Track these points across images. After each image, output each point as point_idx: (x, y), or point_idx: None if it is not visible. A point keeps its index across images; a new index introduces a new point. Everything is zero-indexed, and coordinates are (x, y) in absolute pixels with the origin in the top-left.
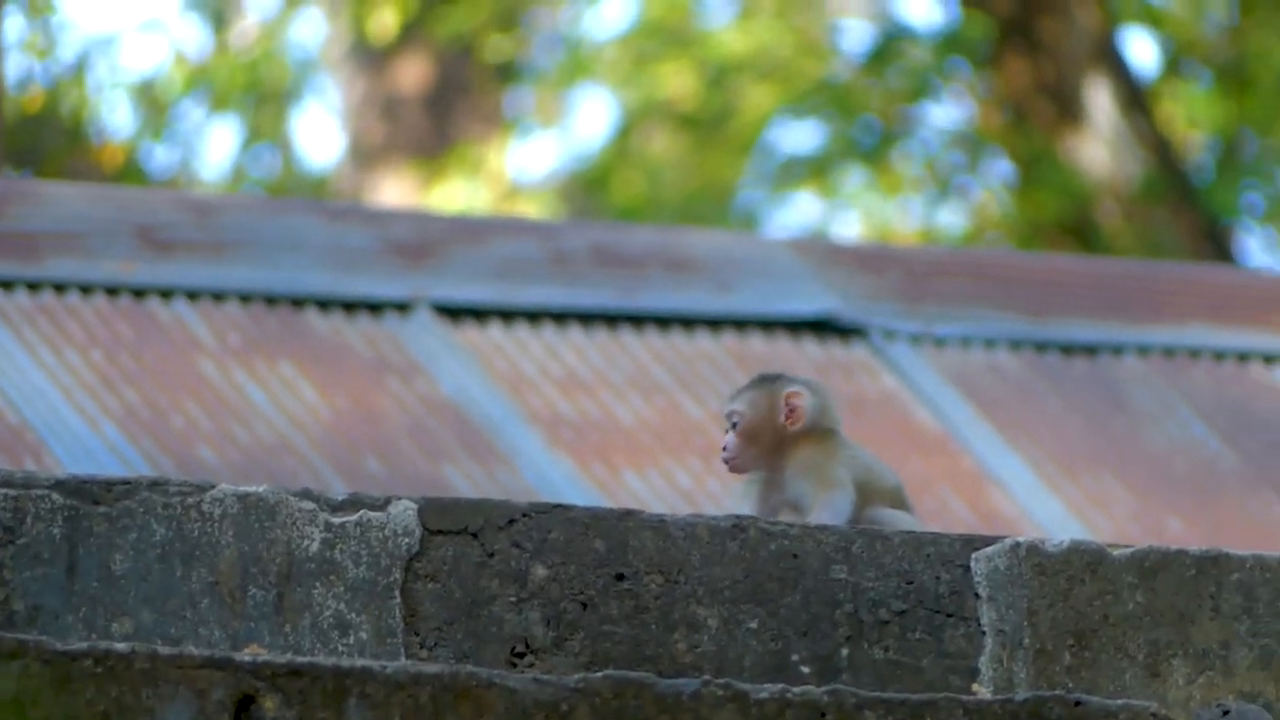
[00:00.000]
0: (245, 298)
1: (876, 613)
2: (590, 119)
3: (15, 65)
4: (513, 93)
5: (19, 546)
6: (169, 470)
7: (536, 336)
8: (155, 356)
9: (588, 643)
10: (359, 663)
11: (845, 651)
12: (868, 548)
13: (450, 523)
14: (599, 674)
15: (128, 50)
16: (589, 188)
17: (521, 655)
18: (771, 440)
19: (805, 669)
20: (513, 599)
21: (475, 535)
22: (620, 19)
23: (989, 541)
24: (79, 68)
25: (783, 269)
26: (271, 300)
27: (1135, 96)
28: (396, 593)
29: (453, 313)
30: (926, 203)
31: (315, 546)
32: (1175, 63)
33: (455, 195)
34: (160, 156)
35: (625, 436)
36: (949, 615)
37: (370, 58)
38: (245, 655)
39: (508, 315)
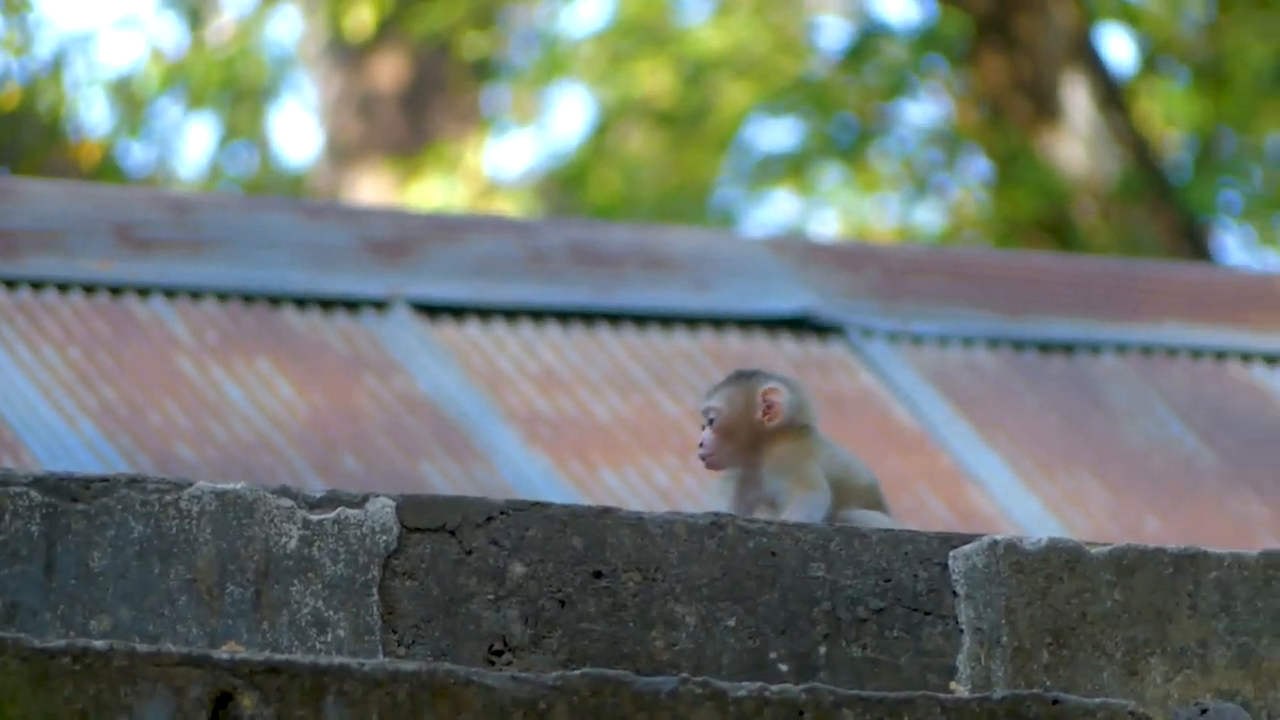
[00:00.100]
0: (223, 295)
1: (854, 611)
2: (567, 117)
3: None
4: (489, 90)
5: None
6: (147, 468)
7: (514, 334)
8: (133, 354)
9: (565, 640)
10: (337, 660)
11: (823, 649)
12: (846, 546)
13: (428, 520)
14: (577, 672)
15: (105, 47)
16: (566, 185)
17: (499, 653)
18: (748, 437)
19: (783, 667)
20: (490, 597)
21: (453, 533)
22: (597, 16)
23: (967, 540)
24: (56, 65)
25: (760, 267)
26: (249, 298)
27: (1112, 94)
28: (374, 590)
29: (430, 310)
30: (904, 201)
31: (293, 544)
32: (1152, 60)
33: (432, 193)
34: (137, 154)
35: (603, 434)
36: (927, 613)
37: (347, 55)
38: (223, 653)
39: (485, 313)
